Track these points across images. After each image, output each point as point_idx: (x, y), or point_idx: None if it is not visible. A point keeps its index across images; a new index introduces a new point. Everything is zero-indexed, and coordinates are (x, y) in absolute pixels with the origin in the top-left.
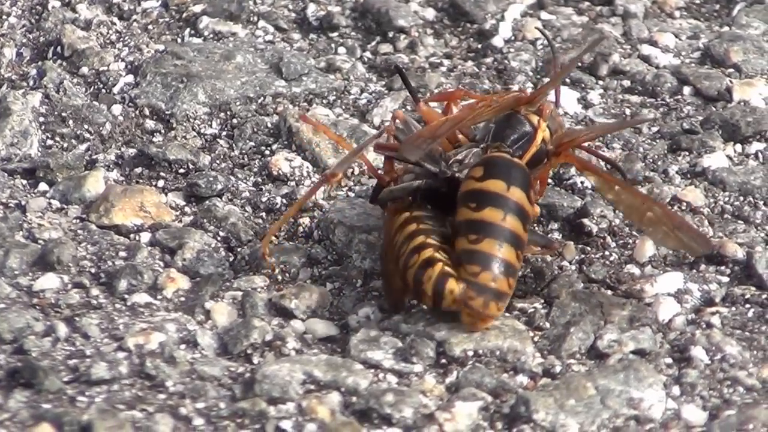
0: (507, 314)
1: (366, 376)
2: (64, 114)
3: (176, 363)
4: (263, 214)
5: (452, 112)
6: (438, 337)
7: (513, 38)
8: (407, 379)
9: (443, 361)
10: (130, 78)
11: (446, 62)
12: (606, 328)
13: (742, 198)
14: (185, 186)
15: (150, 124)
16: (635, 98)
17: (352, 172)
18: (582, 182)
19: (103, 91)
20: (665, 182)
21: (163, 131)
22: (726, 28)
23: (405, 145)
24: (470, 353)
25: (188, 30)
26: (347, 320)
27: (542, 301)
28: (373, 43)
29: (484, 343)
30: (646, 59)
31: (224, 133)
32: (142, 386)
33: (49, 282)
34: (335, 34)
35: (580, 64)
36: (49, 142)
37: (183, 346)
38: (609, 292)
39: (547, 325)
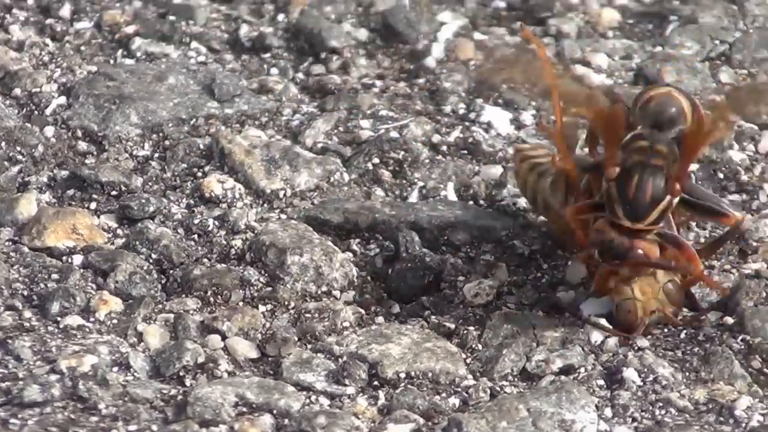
0: (437, 336)
1: (298, 399)
2: None
3: (109, 385)
4: (195, 236)
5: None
6: (370, 359)
7: (445, 59)
8: (339, 401)
9: (375, 383)
10: (62, 99)
11: (378, 83)
12: (537, 349)
13: None
14: (117, 208)
15: (82, 145)
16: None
17: (284, 194)
18: (515, 203)
19: (36, 112)
20: None
21: (95, 153)
22: (659, 48)
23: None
24: (402, 375)
25: (121, 51)
26: (279, 342)
27: (474, 323)
28: (306, 64)
29: (416, 365)
30: (578, 80)
31: (156, 154)
32: (74, 409)
33: None
34: (267, 54)
35: (512, 85)
36: None
37: (116, 369)
38: (541, 313)
39: (480, 347)
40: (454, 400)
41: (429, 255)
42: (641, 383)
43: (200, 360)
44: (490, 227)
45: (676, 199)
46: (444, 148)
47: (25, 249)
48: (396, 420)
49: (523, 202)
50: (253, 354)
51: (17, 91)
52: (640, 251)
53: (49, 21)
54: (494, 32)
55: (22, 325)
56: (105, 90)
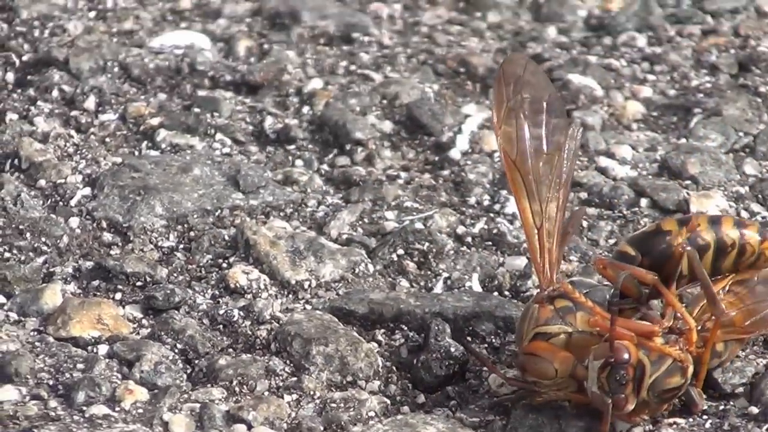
0: (463, 426)
1: None
2: (21, 227)
3: None
4: (220, 326)
5: None
6: None
7: (470, 150)
8: None
9: None
10: (87, 190)
11: (403, 174)
12: None
13: None
14: (143, 299)
15: (107, 236)
16: (592, 210)
17: (309, 285)
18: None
19: (61, 203)
20: None
21: (120, 244)
22: (683, 140)
23: None
24: None
25: (146, 143)
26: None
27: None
28: (330, 156)
29: None
30: (603, 171)
31: (181, 245)
32: None
33: (7, 394)
34: (292, 146)
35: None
36: (7, 254)
37: None
38: (567, 404)
39: None
40: None
41: (454, 345)
42: None
43: None
44: (515, 318)
45: None
46: (469, 239)
47: (51, 339)
48: None
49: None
50: None
51: (42, 182)
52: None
53: (74, 113)
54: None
55: (47, 414)
56: (130, 181)
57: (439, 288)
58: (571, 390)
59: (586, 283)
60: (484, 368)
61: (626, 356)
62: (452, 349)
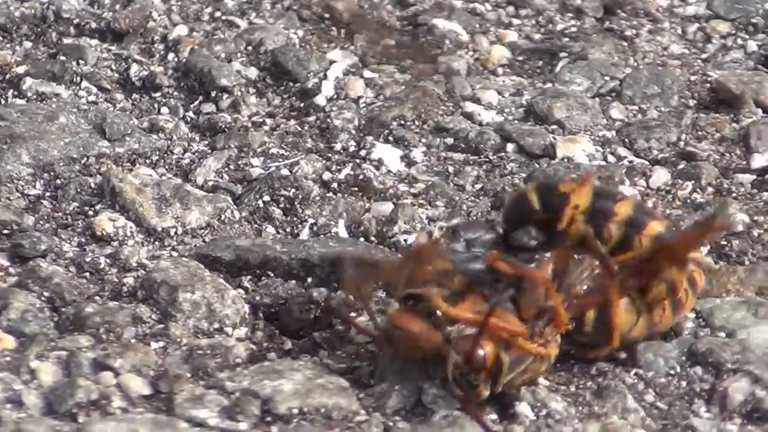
0: (330, 372)
1: None
2: None
3: (2, 422)
4: (87, 274)
5: None
6: (263, 395)
7: (336, 96)
8: None
9: (268, 419)
10: None
11: (269, 121)
12: (430, 383)
13: None
14: (9, 247)
15: None
16: (458, 156)
17: (176, 232)
18: (405, 240)
19: None
20: None
21: None
22: (549, 85)
23: None
24: (295, 411)
25: (11, 91)
26: (171, 378)
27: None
28: (196, 103)
29: (309, 401)
30: (469, 116)
31: (48, 193)
32: None
33: None
34: (158, 94)
35: (403, 122)
36: None
37: (9, 406)
38: None
39: (372, 382)
40: None
41: (317, 290)
42: (534, 418)
43: (93, 397)
44: (381, 262)
45: None
46: (335, 185)
47: None
48: None
49: (412, 238)
50: (146, 391)
51: None
52: None
53: None
54: (384, 70)
55: None
56: None
57: (305, 234)
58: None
59: (468, 224)
60: (351, 314)
61: (481, 361)
62: (314, 294)
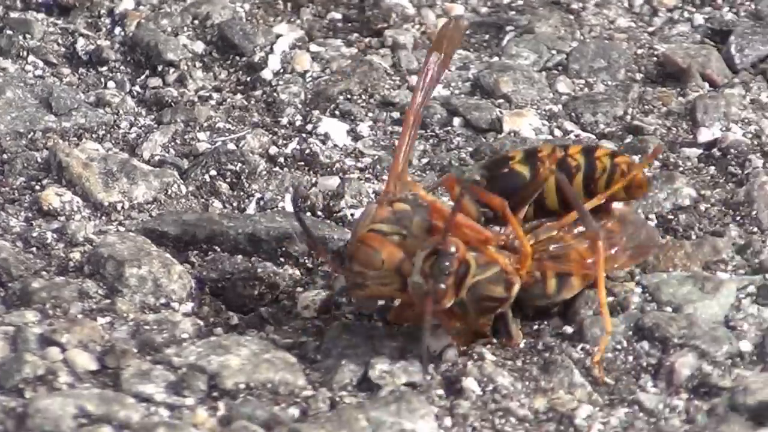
0: (276, 347)
1: (138, 410)
2: None
3: None
4: (34, 249)
5: None
6: (209, 371)
7: (282, 71)
8: (179, 412)
9: (215, 394)
10: None
11: (216, 95)
12: (377, 359)
13: None
14: None
15: None
16: None
17: (122, 207)
18: (352, 214)
19: None
20: None
21: None
22: (496, 59)
23: None
24: (242, 386)
25: None
26: (118, 354)
27: (313, 333)
28: (143, 77)
29: (255, 376)
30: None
31: None
32: None
33: None
34: (104, 68)
35: (349, 96)
36: None
37: None
38: (380, 324)
39: (319, 357)
40: (294, 411)
41: (261, 266)
42: (481, 393)
43: (40, 372)
44: (328, 238)
45: None
46: (281, 159)
47: None
48: (236, 431)
49: (359, 212)
50: (93, 366)
51: None
52: None
53: None
54: (330, 44)
55: None
56: None
57: (252, 209)
58: (395, 287)
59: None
60: (298, 288)
61: (453, 249)
62: (258, 270)
